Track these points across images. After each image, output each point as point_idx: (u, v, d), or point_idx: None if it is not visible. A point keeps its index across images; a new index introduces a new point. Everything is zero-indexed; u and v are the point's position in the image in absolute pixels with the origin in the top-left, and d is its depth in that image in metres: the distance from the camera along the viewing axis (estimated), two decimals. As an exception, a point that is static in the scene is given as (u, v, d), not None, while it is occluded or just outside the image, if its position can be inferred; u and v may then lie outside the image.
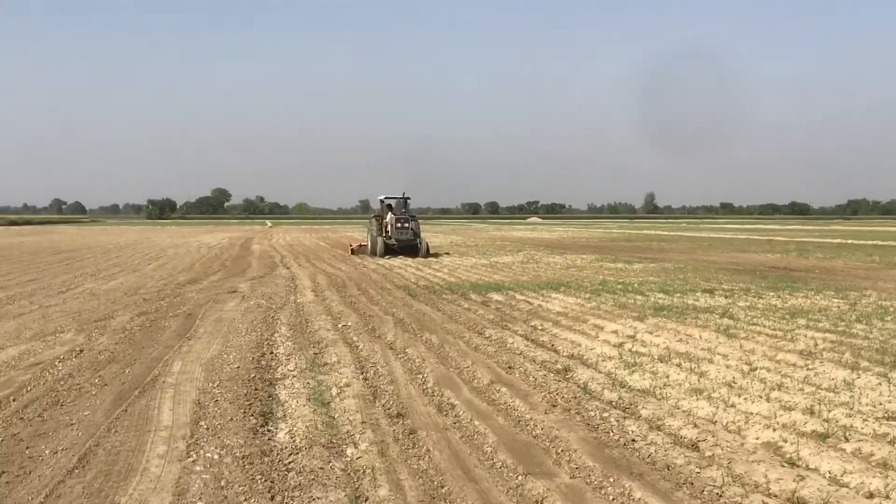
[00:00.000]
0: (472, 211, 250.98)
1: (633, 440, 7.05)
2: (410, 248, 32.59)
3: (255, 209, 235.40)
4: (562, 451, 6.78)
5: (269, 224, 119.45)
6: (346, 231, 76.36)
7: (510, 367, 10.16)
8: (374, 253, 32.80)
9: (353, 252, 34.99)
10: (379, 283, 21.29)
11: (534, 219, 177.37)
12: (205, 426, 7.36)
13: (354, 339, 12.23)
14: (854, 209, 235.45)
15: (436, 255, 33.75)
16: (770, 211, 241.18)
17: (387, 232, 33.06)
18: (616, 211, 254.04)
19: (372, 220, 35.18)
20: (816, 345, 11.17)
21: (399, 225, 32.65)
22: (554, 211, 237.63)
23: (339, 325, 13.52)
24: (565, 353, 11.11)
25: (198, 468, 6.25)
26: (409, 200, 34.31)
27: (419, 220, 34.82)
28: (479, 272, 24.79)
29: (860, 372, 9.35)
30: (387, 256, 31.64)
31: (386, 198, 34.61)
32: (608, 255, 33.83)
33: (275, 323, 13.75)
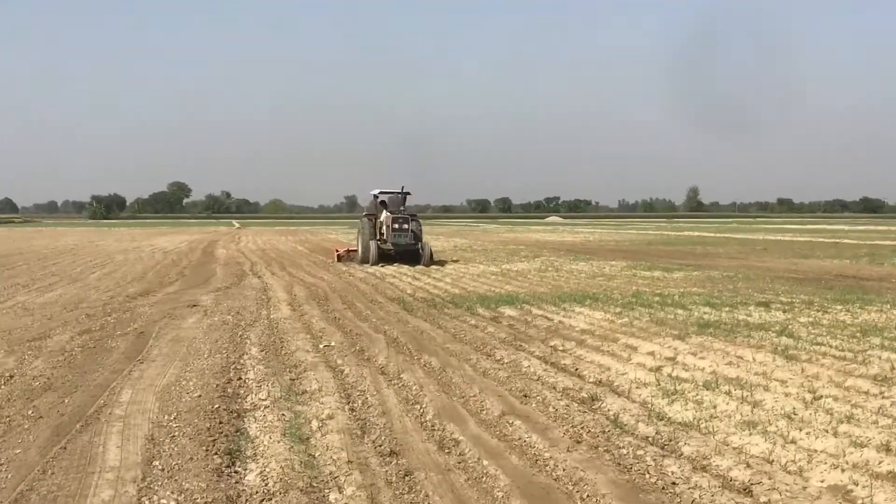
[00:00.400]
0: (480, 209, 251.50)
1: (674, 483, 7.04)
2: (410, 253, 31.81)
3: (221, 207, 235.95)
4: (587, 496, 6.77)
5: (237, 225, 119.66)
6: (328, 233, 76.40)
7: (526, 396, 10.15)
8: (364, 260, 31.78)
9: (338, 259, 34.02)
10: (368, 294, 21.30)
11: (554, 218, 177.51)
12: (159, 466, 7.35)
13: (339, 362, 12.23)
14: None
15: (439, 263, 33.23)
16: (837, 208, 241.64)
17: (381, 234, 32.24)
18: (653, 209, 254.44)
19: (363, 219, 33.91)
20: (893, 368, 11.15)
21: (396, 226, 31.65)
22: (578, 209, 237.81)
23: (321, 346, 13.53)
24: (592, 379, 11.11)
25: (151, 517, 6.25)
26: (408, 196, 33.65)
27: (420, 221, 33.95)
28: (488, 282, 24.81)
29: (946, 401, 9.34)
30: (380, 264, 30.84)
31: (380, 192, 33.75)
32: (643, 262, 33.82)
33: (243, 343, 13.76)
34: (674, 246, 49.37)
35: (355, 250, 33.82)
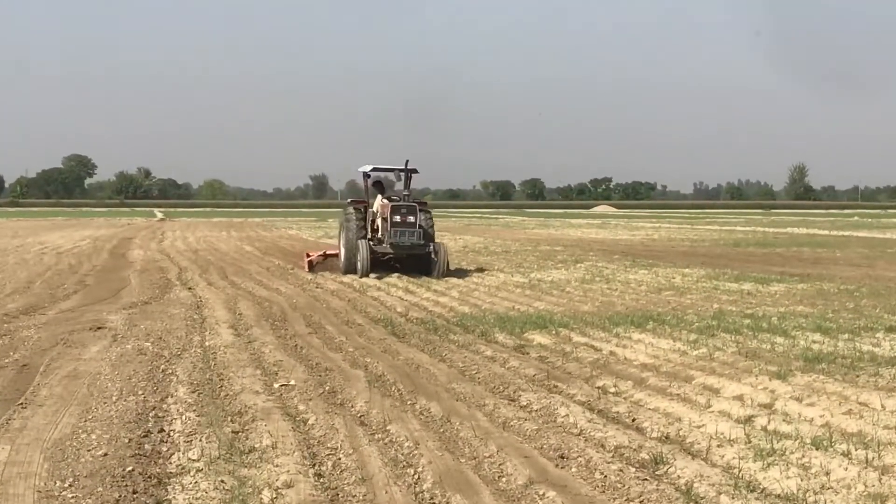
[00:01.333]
0: (501, 195, 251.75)
1: (772, 583, 7.03)
2: (417, 259, 29.79)
3: (137, 190, 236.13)
4: None
5: (160, 215, 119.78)
6: (288, 227, 76.47)
7: (562, 457, 10.13)
8: (350, 268, 29.69)
9: (311, 267, 32.21)
10: (343, 313, 21.32)
11: (603, 208, 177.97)
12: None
13: (301, 408, 12.22)
14: None
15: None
16: None
17: (374, 231, 30.43)
18: (742, 195, 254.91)
19: (346, 209, 31.47)
20: None
21: (398, 218, 28.99)
22: (637, 194, 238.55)
23: (276, 385, 13.53)
24: (655, 434, 11.10)
25: None
26: (414, 174, 31.44)
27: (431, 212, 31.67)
28: (511, 296, 24.84)
29: None
30: (373, 275, 28.73)
31: (373, 169, 31.96)
32: (727, 270, 33.83)
33: (168, 381, 13.76)
34: (771, 248, 49.36)
35: (335, 254, 31.98)
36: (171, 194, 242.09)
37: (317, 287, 27.29)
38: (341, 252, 30.52)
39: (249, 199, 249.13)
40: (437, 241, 30.46)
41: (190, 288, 26.92)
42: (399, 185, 31.22)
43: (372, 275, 28.57)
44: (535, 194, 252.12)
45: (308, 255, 33.29)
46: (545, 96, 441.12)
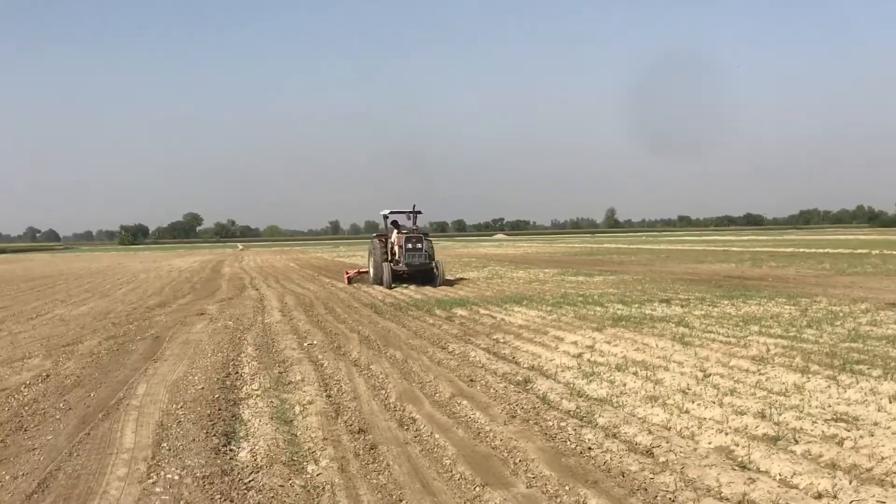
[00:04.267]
0: (440, 229, 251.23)
1: (590, 448, 7.00)
2: (424, 273, 26.47)
3: (227, 233, 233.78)
4: (520, 461, 6.71)
5: (241, 247, 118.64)
6: (316, 252, 76.04)
7: (472, 381, 10.07)
8: (378, 281, 26.69)
9: (349, 282, 28.43)
10: (346, 301, 21.16)
11: (499, 235, 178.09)
12: (167, 447, 7.20)
13: (319, 357, 12.10)
14: (806, 219, 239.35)
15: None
16: (726, 222, 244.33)
17: (393, 255, 26.99)
18: (579, 226, 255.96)
19: (373, 241, 28.08)
20: (768, 350, 11.21)
21: (410, 246, 26.18)
22: (519, 228, 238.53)
23: (305, 344, 13.38)
24: (526, 365, 11.05)
25: (157, 489, 6.10)
26: (419, 215, 28.07)
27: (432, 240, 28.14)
28: (444, 288, 24.70)
29: (810, 376, 9.38)
30: (394, 286, 25.66)
31: (391, 212, 28.35)
32: (570, 269, 33.93)
33: (241, 343, 13.58)
34: (595, 256, 49.59)
35: (366, 272, 28.80)
36: (248, 234, 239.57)
37: (332, 286, 27.08)
38: (371, 270, 27.82)
39: (294, 236, 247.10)
40: (437, 259, 27.23)
41: (256, 289, 26.62)
42: (409, 223, 27.96)
43: (393, 286, 25.37)
44: (460, 228, 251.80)
45: (347, 273, 29.64)
46: (467, 160, 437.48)
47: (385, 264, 25.83)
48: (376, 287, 25.62)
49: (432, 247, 26.88)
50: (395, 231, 27.28)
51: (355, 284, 27.34)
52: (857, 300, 17.63)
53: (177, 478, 6.35)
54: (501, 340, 13.30)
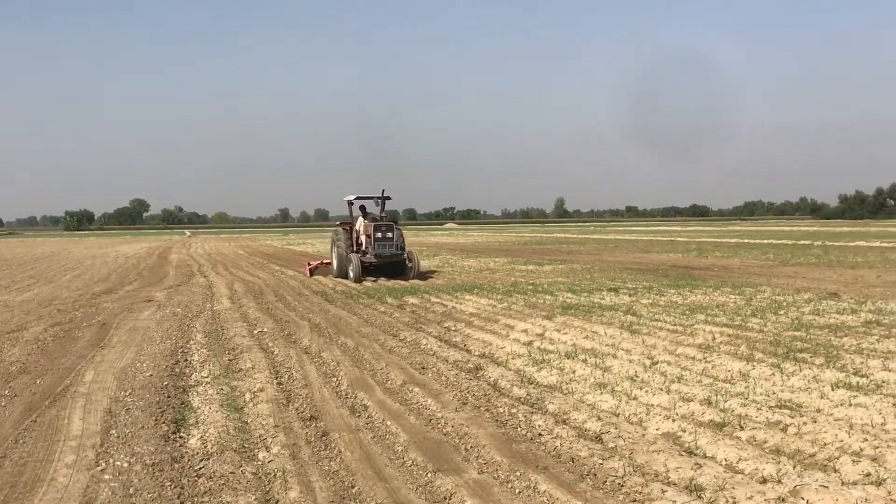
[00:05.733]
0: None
1: (540, 434, 7.07)
2: (395, 265, 23.73)
3: (174, 219, 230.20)
4: (471, 447, 6.75)
5: (188, 234, 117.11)
6: (265, 240, 75.37)
7: (423, 368, 10.09)
8: (342, 274, 23.94)
9: (311, 274, 25.68)
10: (296, 289, 21.02)
11: (450, 224, 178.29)
12: (115, 434, 7.10)
13: (270, 344, 12.02)
14: (751, 210, 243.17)
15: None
16: (672, 213, 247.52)
17: (359, 245, 24.16)
18: (528, 216, 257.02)
19: (337, 229, 25.27)
20: (714, 338, 11.41)
21: (379, 234, 23.25)
22: (469, 217, 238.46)
23: (255, 332, 13.27)
24: (477, 353, 11.10)
25: (106, 476, 6.02)
26: (388, 200, 24.76)
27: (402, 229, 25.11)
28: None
29: (755, 363, 9.56)
30: (362, 279, 22.84)
31: (357, 198, 25.19)
32: (520, 258, 34.10)
33: (190, 331, 13.42)
34: (544, 245, 49.90)
35: (330, 263, 25.57)
36: (196, 221, 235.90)
37: (282, 274, 26.88)
38: (334, 262, 24.81)
39: (242, 223, 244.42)
40: (409, 250, 24.60)
41: (205, 276, 26.30)
42: (376, 210, 24.79)
43: (360, 280, 22.59)
44: (412, 217, 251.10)
45: (309, 264, 26.60)
46: (419, 149, 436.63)
47: (353, 255, 23.15)
48: (352, 282, 22.47)
49: (402, 236, 24.20)
50: (362, 218, 24.59)
51: (304, 273, 27.03)
52: (799, 290, 18.02)
53: (126, 465, 6.27)
54: (453, 328, 13.33)
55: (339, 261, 24.44)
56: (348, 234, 24.67)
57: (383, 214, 24.71)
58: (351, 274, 22.85)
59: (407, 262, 23.76)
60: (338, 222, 25.97)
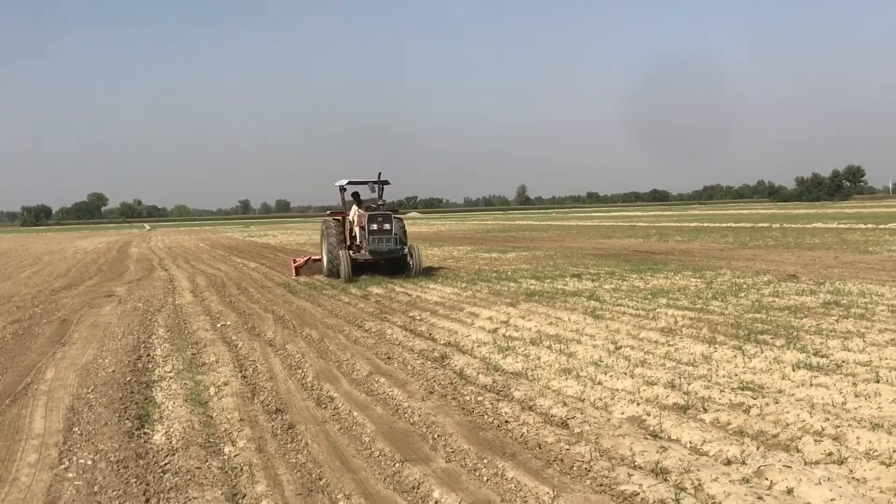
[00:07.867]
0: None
1: (507, 421, 7.09)
2: (394, 261, 20.50)
3: (133, 213, 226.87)
4: (438, 436, 6.75)
5: (148, 227, 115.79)
6: (226, 232, 74.73)
7: (389, 358, 10.08)
8: (333, 273, 20.55)
9: (297, 272, 22.02)
10: (259, 281, 20.87)
11: (413, 213, 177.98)
12: (78, 432, 7.00)
13: (234, 337, 11.92)
14: (710, 194, 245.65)
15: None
16: (633, 199, 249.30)
17: (353, 238, 21.06)
18: (491, 204, 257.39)
19: (326, 221, 21.78)
20: (676, 322, 11.52)
21: (375, 226, 19.79)
22: (432, 206, 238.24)
23: (219, 325, 13.16)
24: (442, 342, 11.11)
25: (70, 475, 5.93)
26: (386, 185, 20.91)
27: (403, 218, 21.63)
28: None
29: (717, 346, 9.67)
30: (355, 278, 19.90)
31: (349, 183, 21.36)
32: (483, 246, 34.17)
33: (152, 325, 13.27)
34: (507, 233, 50.06)
35: (318, 259, 22.11)
36: (155, 214, 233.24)
37: (244, 266, 26.69)
38: (324, 258, 21.37)
39: (202, 216, 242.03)
40: (411, 244, 21.15)
41: (166, 269, 26.05)
42: (372, 197, 21.15)
43: (352, 279, 19.60)
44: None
45: (294, 262, 22.61)
46: (376, 143, 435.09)
47: (343, 252, 19.96)
48: (343, 283, 19.33)
49: (403, 228, 20.86)
50: (355, 207, 21.38)
51: (269, 265, 26.84)
52: (759, 272, 18.25)
53: (90, 462, 6.18)
54: (418, 318, 13.32)
55: (328, 257, 21.01)
56: (340, 225, 21.44)
57: (381, 202, 20.88)
58: (342, 274, 19.68)
59: (408, 257, 20.44)
60: (328, 212, 22.58)
